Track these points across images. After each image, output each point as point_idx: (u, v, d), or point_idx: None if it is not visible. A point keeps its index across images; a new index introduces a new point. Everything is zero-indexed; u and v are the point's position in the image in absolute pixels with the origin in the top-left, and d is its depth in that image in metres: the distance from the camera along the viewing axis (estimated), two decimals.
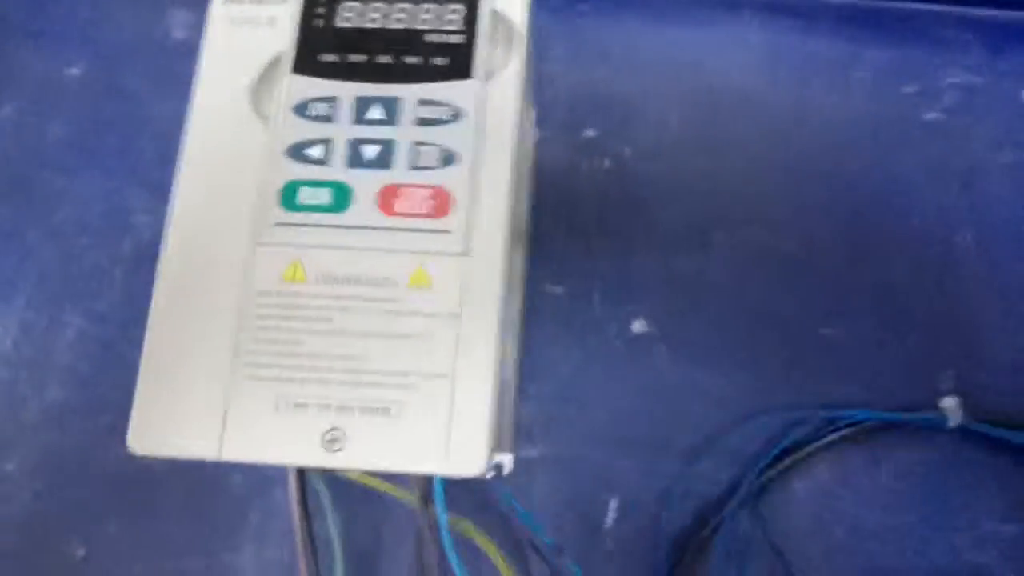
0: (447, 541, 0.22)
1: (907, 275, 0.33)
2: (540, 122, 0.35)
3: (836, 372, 0.32)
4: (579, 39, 0.37)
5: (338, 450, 0.20)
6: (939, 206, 0.34)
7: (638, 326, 0.33)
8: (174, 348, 0.21)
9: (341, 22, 0.23)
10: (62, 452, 0.33)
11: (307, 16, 0.24)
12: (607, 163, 0.35)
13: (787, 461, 0.30)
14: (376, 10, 0.24)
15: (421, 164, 0.22)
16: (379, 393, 0.20)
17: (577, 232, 0.34)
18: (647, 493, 0.31)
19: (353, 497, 0.27)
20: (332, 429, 0.20)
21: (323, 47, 0.23)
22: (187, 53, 0.39)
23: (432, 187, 0.22)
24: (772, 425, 0.31)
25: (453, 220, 0.21)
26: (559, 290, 0.34)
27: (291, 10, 0.24)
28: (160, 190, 0.37)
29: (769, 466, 0.30)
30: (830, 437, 0.30)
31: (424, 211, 0.21)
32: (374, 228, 0.21)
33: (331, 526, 0.26)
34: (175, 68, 0.38)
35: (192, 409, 0.20)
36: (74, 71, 0.38)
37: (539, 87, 0.35)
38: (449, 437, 0.20)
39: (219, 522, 0.31)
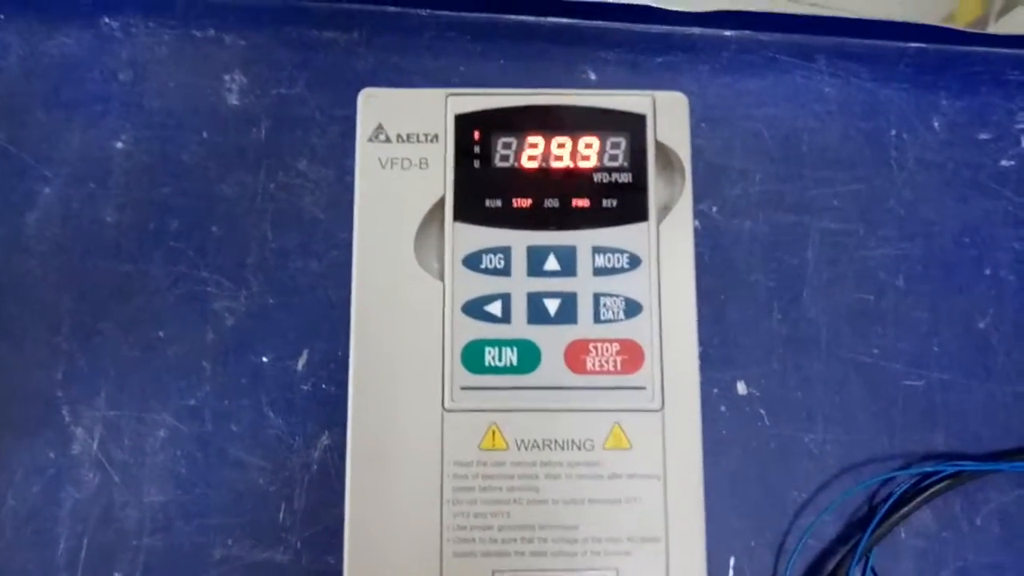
0: None
1: (988, 323, 0.35)
2: None
3: (923, 422, 0.34)
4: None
5: None
6: (1017, 253, 0.35)
7: (741, 388, 0.34)
8: (378, 526, 0.21)
9: (499, 161, 0.22)
10: (169, 558, 0.32)
11: (461, 156, 0.22)
12: (696, 223, 0.35)
13: (894, 517, 0.32)
14: (533, 145, 0.23)
15: (605, 317, 0.22)
16: (595, 561, 0.20)
17: None
18: (763, 549, 0.33)
19: None
20: None
21: (484, 191, 0.22)
22: (245, 121, 0.37)
23: (620, 341, 0.22)
24: (869, 477, 0.33)
25: (646, 375, 0.21)
26: None
27: (443, 150, 0.23)
28: (234, 273, 0.36)
29: (879, 523, 0.32)
30: (931, 489, 0.32)
31: (615, 367, 0.21)
32: (566, 388, 0.21)
33: None
34: (233, 139, 0.37)
35: None
36: (119, 145, 0.36)
37: None
38: None
39: None
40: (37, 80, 0.36)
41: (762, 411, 0.34)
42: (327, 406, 0.33)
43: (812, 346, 0.34)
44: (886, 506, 0.32)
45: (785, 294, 0.35)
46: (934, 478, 0.32)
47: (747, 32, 0.38)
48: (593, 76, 0.37)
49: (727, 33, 0.38)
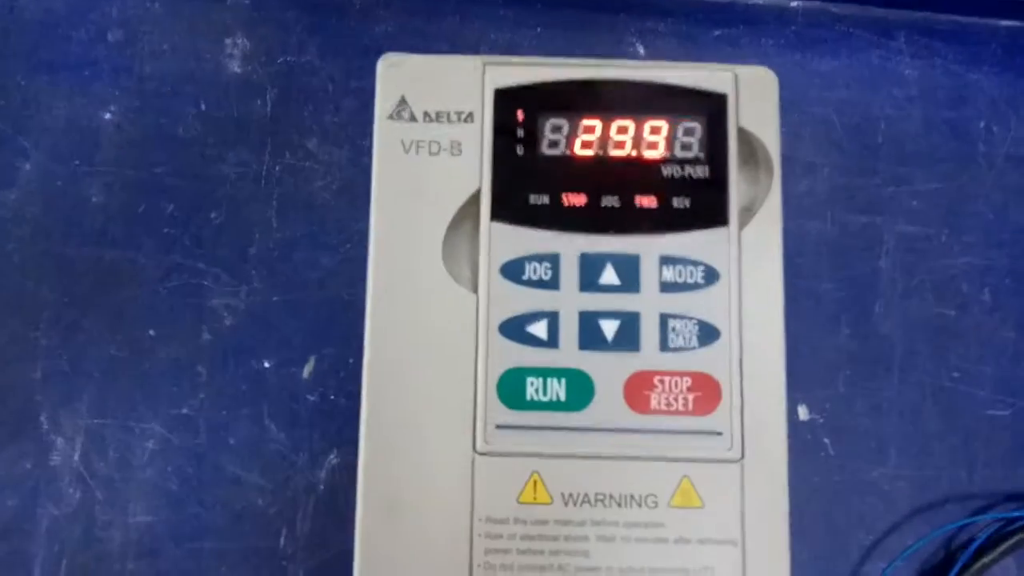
0: None
1: None
2: None
3: (1009, 457, 0.30)
4: None
5: None
6: None
7: (803, 413, 0.30)
8: None
9: (547, 148, 0.19)
10: None
11: (502, 141, 0.19)
12: None
13: (974, 567, 0.28)
14: (588, 129, 0.19)
15: (674, 344, 0.18)
16: None
17: None
18: None
19: None
20: None
21: (528, 185, 0.18)
22: (248, 92, 0.34)
23: (691, 374, 0.18)
24: (946, 520, 0.30)
25: (722, 417, 0.18)
26: None
27: (479, 132, 0.19)
28: (235, 266, 0.33)
29: (958, 574, 0.28)
30: (1017, 536, 0.29)
31: (686, 407, 0.18)
32: (625, 431, 0.18)
33: None
34: (234, 112, 0.34)
35: None
36: (108, 116, 0.32)
37: None
38: None
39: None
40: (16, 39, 0.33)
41: (826, 440, 0.31)
42: (336, 420, 0.31)
43: (884, 367, 0.31)
44: (966, 554, 0.29)
45: (854, 306, 0.32)
46: (1020, 523, 0.29)
47: (817, 3, 0.35)
48: (641, 49, 0.34)
49: (794, 4, 0.34)
